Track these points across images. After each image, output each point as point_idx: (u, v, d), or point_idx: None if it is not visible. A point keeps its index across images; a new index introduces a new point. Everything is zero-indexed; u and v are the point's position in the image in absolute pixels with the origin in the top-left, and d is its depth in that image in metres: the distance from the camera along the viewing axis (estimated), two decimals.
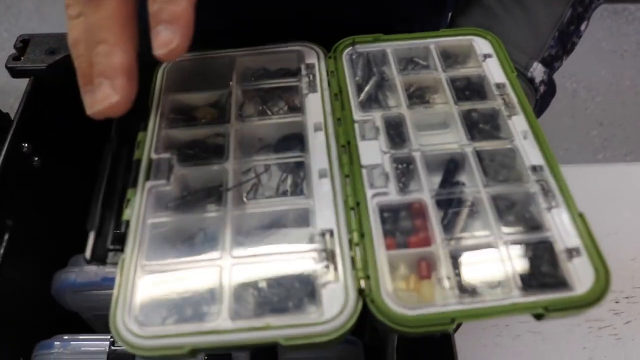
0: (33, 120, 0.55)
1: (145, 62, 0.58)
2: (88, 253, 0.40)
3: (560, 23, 0.56)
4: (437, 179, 0.44)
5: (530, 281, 0.37)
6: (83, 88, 0.37)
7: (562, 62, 0.59)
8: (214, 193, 0.43)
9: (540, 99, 0.56)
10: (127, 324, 0.35)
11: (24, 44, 0.58)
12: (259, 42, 0.52)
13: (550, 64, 0.57)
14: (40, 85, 0.55)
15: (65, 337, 0.55)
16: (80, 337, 0.55)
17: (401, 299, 0.36)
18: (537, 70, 0.55)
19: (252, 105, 0.50)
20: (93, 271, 0.56)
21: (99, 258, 0.40)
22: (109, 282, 0.58)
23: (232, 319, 0.35)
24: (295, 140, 0.46)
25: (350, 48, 0.51)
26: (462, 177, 0.44)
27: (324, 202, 0.40)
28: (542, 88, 0.55)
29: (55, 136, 0.59)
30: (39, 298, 0.58)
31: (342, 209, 0.40)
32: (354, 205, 0.40)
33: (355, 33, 0.53)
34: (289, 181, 0.44)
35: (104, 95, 0.36)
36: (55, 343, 0.54)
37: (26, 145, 0.53)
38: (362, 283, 0.36)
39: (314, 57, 0.51)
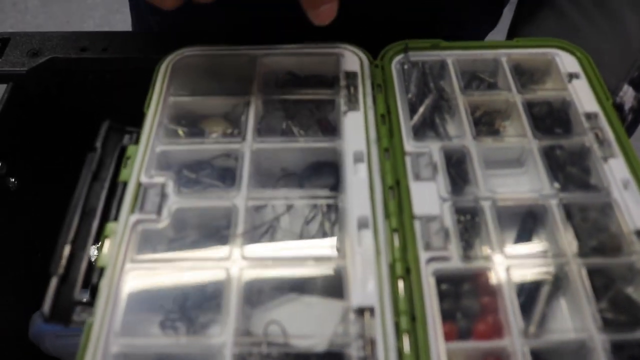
0: (9, 135, 0.45)
1: (144, 58, 0.49)
2: (47, 307, 0.30)
3: None
4: (509, 235, 0.34)
5: None
6: None
7: None
8: (218, 237, 0.33)
9: (626, 128, 0.45)
10: None
11: (2, 44, 0.47)
12: (286, 38, 0.42)
13: (639, 85, 0.46)
14: (19, 93, 0.45)
15: None
16: None
17: None
18: (628, 95, 0.44)
19: (274, 120, 0.39)
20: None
21: (61, 314, 0.31)
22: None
23: None
24: (328, 171, 0.36)
25: (402, 55, 0.41)
26: (542, 237, 0.34)
27: (364, 266, 0.30)
28: (630, 117, 0.45)
29: (35, 153, 0.49)
30: (15, 341, 0.49)
31: (388, 278, 0.30)
32: (403, 274, 0.30)
33: (397, 32, 0.42)
34: (317, 227, 0.34)
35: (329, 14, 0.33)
36: None
37: (0, 164, 0.43)
38: None
39: (355, 63, 0.40)
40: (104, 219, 0.34)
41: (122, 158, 0.36)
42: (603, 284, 0.31)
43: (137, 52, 0.48)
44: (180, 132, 0.38)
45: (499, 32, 0.58)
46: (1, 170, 0.44)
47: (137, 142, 0.36)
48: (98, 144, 0.36)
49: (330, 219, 0.34)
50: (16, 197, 0.46)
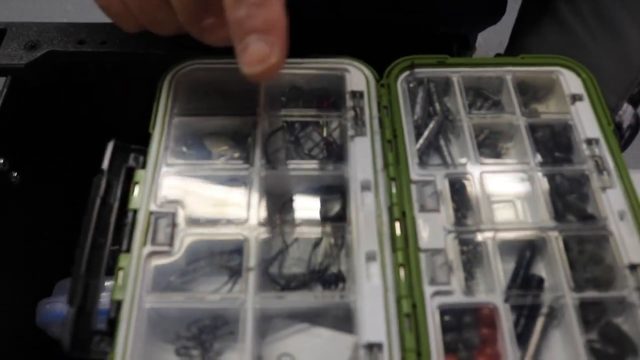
0: (10, 130, 0.44)
1: (145, 53, 0.48)
2: (67, 338, 0.31)
3: None
4: (508, 264, 0.35)
5: None
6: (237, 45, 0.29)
7: None
8: (229, 267, 0.34)
9: (623, 144, 0.46)
10: None
11: None
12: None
13: (638, 102, 0.46)
14: (18, 86, 0.44)
15: None
16: None
17: None
18: (627, 114, 0.44)
19: (280, 137, 0.40)
20: None
21: (81, 344, 0.32)
22: (101, 316, 0.50)
23: None
24: (335, 195, 0.37)
25: (407, 73, 0.41)
26: (540, 267, 0.36)
27: (372, 302, 0.31)
28: (627, 133, 0.46)
29: (37, 147, 0.49)
30: (23, 327, 0.50)
31: (395, 314, 0.31)
32: (410, 311, 0.31)
33: (394, 33, 0.42)
34: (323, 256, 0.35)
35: (260, 54, 0.28)
36: None
37: (1, 160, 0.43)
38: None
39: (361, 81, 0.40)
40: (115, 242, 0.35)
41: (128, 179, 0.37)
42: (595, 316, 0.33)
43: (137, 46, 0.47)
44: (186, 151, 0.38)
45: (504, 27, 0.58)
46: (3, 167, 0.44)
47: (144, 165, 0.36)
48: (104, 167, 0.36)
49: (338, 244, 0.35)
50: (19, 190, 0.47)
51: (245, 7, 0.27)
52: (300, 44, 0.41)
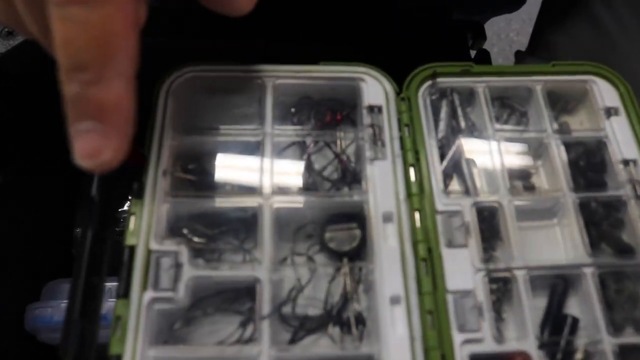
0: None
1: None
2: None
3: None
4: (538, 302, 0.33)
5: None
6: (70, 126, 0.23)
7: None
8: (238, 312, 0.31)
9: None
10: None
11: None
12: (298, 58, 0.37)
13: None
14: None
15: None
16: None
17: None
18: None
19: (290, 154, 0.36)
20: None
21: None
22: (104, 322, 0.48)
23: None
24: (352, 224, 0.34)
25: (429, 84, 0.37)
26: (573, 303, 0.33)
27: (398, 355, 0.29)
28: None
29: (19, 144, 0.44)
30: (13, 332, 0.48)
31: None
32: None
33: (408, 22, 0.38)
34: (340, 287, 0.32)
35: (90, 149, 0.23)
36: None
37: None
38: None
39: (379, 94, 0.36)
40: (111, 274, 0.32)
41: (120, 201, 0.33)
42: None
43: None
44: (187, 176, 0.35)
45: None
46: None
47: (140, 195, 0.32)
48: (94, 194, 0.32)
49: (355, 280, 0.32)
50: (2, 190, 0.43)
51: (76, 84, 0.21)
52: (310, 46, 0.37)
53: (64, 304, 0.48)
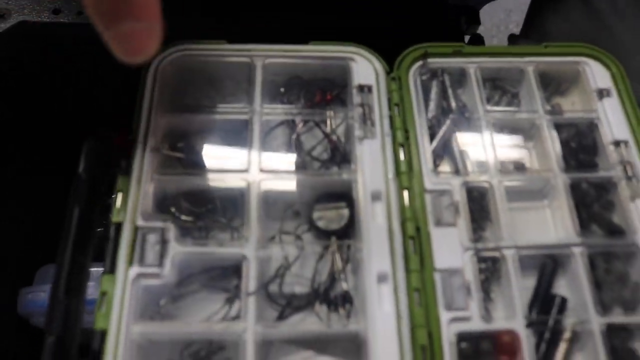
0: None
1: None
2: None
3: None
4: (527, 282, 0.33)
5: None
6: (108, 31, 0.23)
7: None
8: (225, 289, 0.31)
9: None
10: None
11: None
12: (288, 38, 0.37)
13: None
14: None
15: None
16: None
17: None
18: None
19: (279, 133, 0.36)
20: None
21: None
22: (89, 306, 0.48)
23: None
24: (341, 203, 0.33)
25: (420, 64, 0.37)
26: (561, 283, 0.33)
27: (384, 332, 0.29)
28: None
29: (11, 131, 0.44)
30: (6, 316, 0.48)
31: (409, 348, 0.28)
32: (426, 342, 0.28)
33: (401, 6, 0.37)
34: (328, 273, 0.32)
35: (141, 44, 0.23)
36: None
37: None
38: None
39: (370, 73, 0.36)
40: (97, 259, 0.31)
41: (108, 176, 0.33)
42: (622, 342, 0.31)
43: None
44: (175, 154, 0.34)
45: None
46: None
47: (127, 172, 0.32)
48: (81, 170, 0.32)
49: (343, 259, 0.32)
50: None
51: None
52: (301, 25, 0.37)
53: None
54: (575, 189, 0.34)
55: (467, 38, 0.51)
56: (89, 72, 0.47)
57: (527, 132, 0.37)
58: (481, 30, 0.54)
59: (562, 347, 0.31)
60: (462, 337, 0.29)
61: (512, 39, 0.45)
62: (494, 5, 0.57)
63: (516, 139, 0.37)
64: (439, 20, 0.46)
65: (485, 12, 0.59)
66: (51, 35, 0.44)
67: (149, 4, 0.22)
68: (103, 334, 0.28)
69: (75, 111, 0.45)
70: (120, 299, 0.29)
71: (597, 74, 0.38)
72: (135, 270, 0.29)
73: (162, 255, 0.30)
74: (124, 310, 0.29)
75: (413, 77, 0.36)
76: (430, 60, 0.37)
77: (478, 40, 0.49)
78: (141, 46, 0.23)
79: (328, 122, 0.36)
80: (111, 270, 0.30)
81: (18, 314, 0.49)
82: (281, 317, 0.31)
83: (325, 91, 0.37)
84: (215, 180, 0.33)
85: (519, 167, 0.35)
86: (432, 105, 0.36)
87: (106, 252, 0.30)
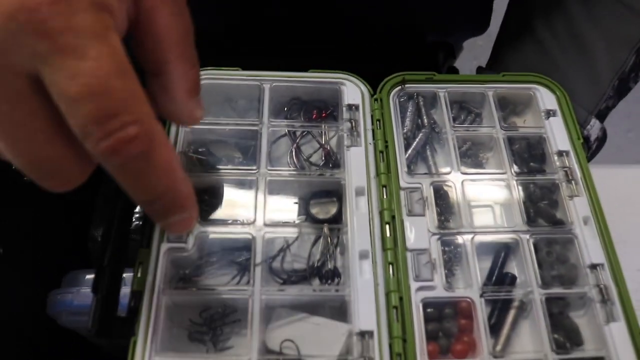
0: None
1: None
2: (92, 323, 0.35)
3: (622, 71, 0.48)
4: (485, 263, 0.40)
5: None
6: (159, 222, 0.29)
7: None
8: (238, 260, 0.38)
9: (590, 155, 0.51)
10: None
11: None
12: (291, 67, 0.45)
13: (604, 117, 0.50)
14: None
15: None
16: None
17: None
18: (594, 128, 0.49)
19: (282, 143, 0.44)
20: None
21: (105, 330, 0.36)
22: (121, 307, 0.53)
23: None
24: (332, 199, 0.41)
25: (399, 88, 0.45)
26: (513, 264, 0.40)
27: (364, 296, 0.36)
28: (595, 145, 0.50)
29: None
30: (35, 316, 0.54)
31: (384, 307, 0.35)
32: (397, 304, 0.35)
33: (386, 42, 0.45)
34: (321, 254, 0.39)
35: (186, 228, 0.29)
36: None
37: None
38: None
39: (357, 95, 0.44)
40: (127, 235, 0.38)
41: None
42: (559, 309, 0.38)
43: None
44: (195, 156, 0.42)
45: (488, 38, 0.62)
46: None
47: None
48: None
49: (334, 243, 0.39)
50: (30, 186, 0.50)
51: (159, 202, 0.26)
52: (301, 58, 0.45)
53: (83, 289, 0.54)
54: (525, 189, 0.42)
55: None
56: None
57: (487, 144, 0.45)
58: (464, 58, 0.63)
59: (511, 313, 0.37)
60: (427, 302, 0.36)
61: (479, 70, 0.53)
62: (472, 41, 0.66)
63: (477, 150, 0.44)
64: (417, 53, 0.55)
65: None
66: None
67: (189, 197, 0.28)
68: (140, 294, 0.35)
69: None
70: (154, 267, 0.36)
71: (545, 97, 0.46)
72: (166, 245, 0.37)
73: (187, 234, 0.37)
74: (157, 276, 0.36)
75: (393, 99, 0.44)
76: (407, 85, 0.45)
77: (453, 71, 0.57)
78: (186, 227, 0.29)
79: (323, 134, 0.44)
80: (147, 245, 0.37)
81: (47, 315, 0.55)
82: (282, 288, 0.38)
83: (321, 109, 0.45)
84: (229, 177, 0.40)
85: (479, 170, 0.43)
86: (407, 122, 0.44)
87: (144, 232, 0.38)
